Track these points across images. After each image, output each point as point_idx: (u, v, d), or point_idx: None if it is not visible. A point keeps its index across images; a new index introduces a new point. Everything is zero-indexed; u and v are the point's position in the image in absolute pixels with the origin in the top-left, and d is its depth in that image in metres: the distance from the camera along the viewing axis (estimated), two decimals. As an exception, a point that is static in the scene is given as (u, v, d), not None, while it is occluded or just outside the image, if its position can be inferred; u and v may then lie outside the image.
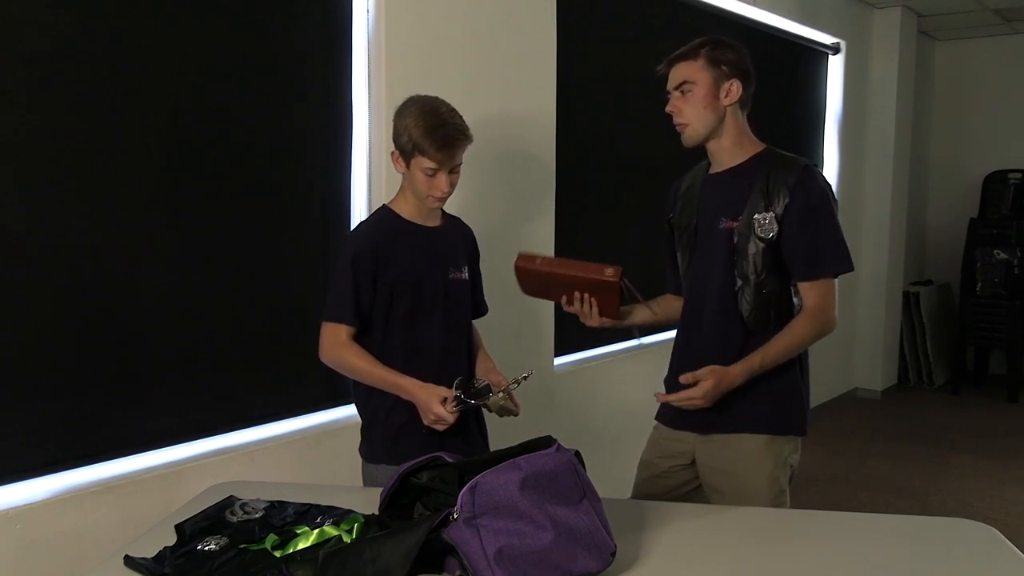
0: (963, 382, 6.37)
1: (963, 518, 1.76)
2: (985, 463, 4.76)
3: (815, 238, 1.91)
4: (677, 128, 1.98)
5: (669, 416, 2.08)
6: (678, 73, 1.95)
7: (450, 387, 1.90)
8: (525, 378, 1.96)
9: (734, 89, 1.93)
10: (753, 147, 1.99)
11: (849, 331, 6.20)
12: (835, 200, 1.97)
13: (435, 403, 1.86)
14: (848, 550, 1.55)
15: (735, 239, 1.93)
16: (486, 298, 2.23)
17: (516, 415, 1.98)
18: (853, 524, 1.74)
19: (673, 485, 2.08)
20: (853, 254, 2.00)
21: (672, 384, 2.13)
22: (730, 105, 1.94)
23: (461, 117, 1.95)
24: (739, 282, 1.93)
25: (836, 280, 1.97)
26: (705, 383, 1.84)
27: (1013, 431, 5.43)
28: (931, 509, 4.04)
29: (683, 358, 2.07)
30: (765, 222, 1.90)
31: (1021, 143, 6.54)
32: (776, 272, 1.93)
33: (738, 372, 1.88)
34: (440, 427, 1.89)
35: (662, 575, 1.43)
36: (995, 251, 6.10)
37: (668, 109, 1.98)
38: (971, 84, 6.83)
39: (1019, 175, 6.28)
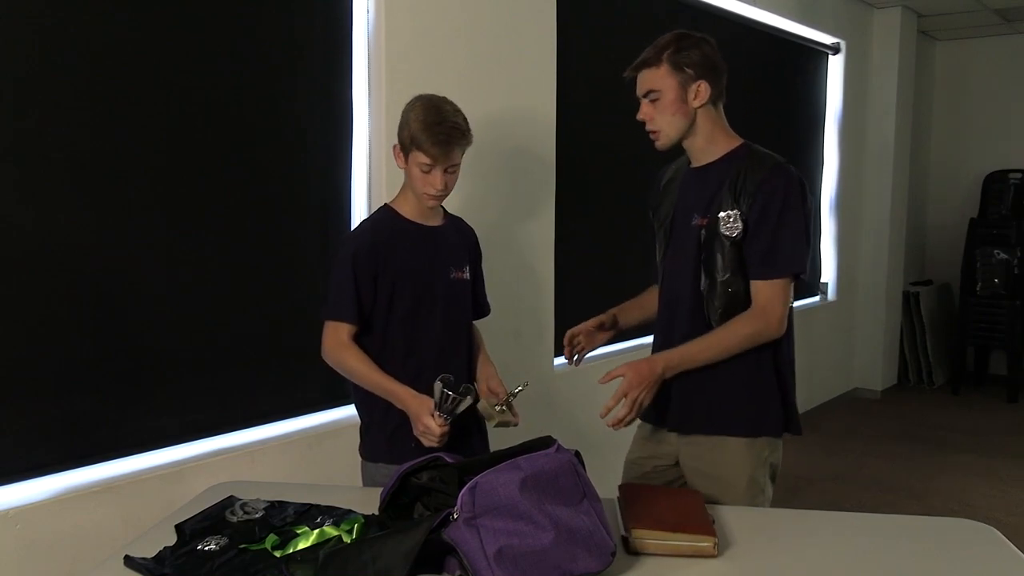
0: (963, 382, 6.37)
1: (963, 518, 1.76)
2: (985, 463, 4.76)
3: (774, 237, 1.87)
4: (649, 135, 1.96)
5: (653, 416, 2.06)
6: (644, 81, 1.92)
7: (443, 386, 1.88)
8: (521, 389, 1.94)
9: (702, 90, 1.89)
10: (728, 143, 1.96)
11: (849, 331, 6.20)
12: (806, 199, 1.91)
13: (425, 414, 1.82)
14: (848, 550, 1.55)
15: (703, 237, 1.92)
16: (488, 299, 2.23)
17: (516, 425, 1.97)
18: (853, 524, 1.74)
19: (659, 483, 2.08)
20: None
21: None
22: (700, 106, 1.91)
23: (464, 118, 1.95)
24: (706, 281, 1.92)
25: (791, 283, 1.91)
26: (623, 384, 1.82)
27: (1013, 431, 5.43)
28: (931, 509, 4.03)
29: None
30: (730, 220, 1.88)
31: (1021, 143, 6.54)
32: (743, 271, 1.90)
33: (658, 360, 1.86)
34: (427, 440, 1.83)
35: (662, 575, 1.43)
36: (995, 251, 6.09)
37: (639, 117, 1.95)
38: (971, 84, 6.83)
39: (1019, 175, 6.28)
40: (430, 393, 1.84)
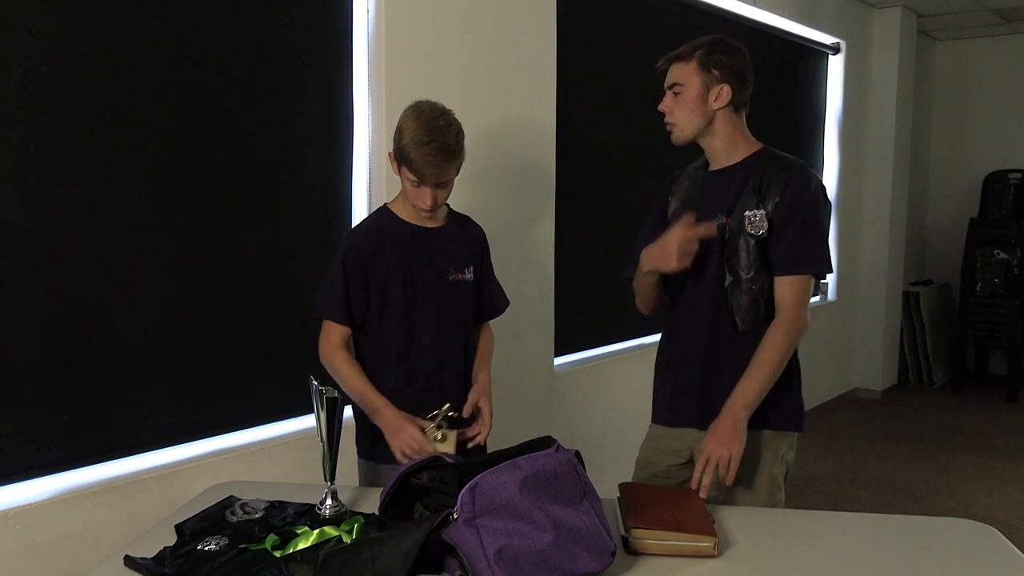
0: (963, 382, 6.37)
1: (963, 518, 1.76)
2: (985, 463, 4.76)
3: (798, 236, 1.91)
4: (666, 127, 2.01)
5: (668, 416, 2.08)
6: (672, 73, 1.98)
7: (434, 407, 1.87)
8: (439, 415, 1.88)
9: (723, 93, 1.94)
10: (749, 147, 2.00)
11: (849, 331, 6.20)
12: (827, 203, 1.98)
13: (409, 425, 1.84)
14: (848, 550, 1.55)
15: (726, 235, 1.95)
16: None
17: (454, 455, 1.87)
18: (853, 524, 1.74)
19: (671, 484, 2.08)
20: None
21: (662, 389, 2.12)
22: (720, 108, 1.95)
23: (457, 132, 1.89)
24: (729, 278, 1.94)
25: (812, 282, 1.96)
26: (711, 453, 1.79)
27: (1013, 431, 5.43)
28: (931, 509, 4.04)
29: (671, 358, 2.10)
30: (756, 219, 1.92)
31: (1021, 143, 6.54)
32: (767, 269, 1.94)
33: (725, 412, 1.84)
34: (412, 453, 1.82)
35: (662, 574, 1.43)
36: (995, 251, 6.10)
37: (660, 107, 2.01)
38: (971, 84, 6.83)
39: (1019, 175, 6.28)
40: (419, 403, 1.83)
